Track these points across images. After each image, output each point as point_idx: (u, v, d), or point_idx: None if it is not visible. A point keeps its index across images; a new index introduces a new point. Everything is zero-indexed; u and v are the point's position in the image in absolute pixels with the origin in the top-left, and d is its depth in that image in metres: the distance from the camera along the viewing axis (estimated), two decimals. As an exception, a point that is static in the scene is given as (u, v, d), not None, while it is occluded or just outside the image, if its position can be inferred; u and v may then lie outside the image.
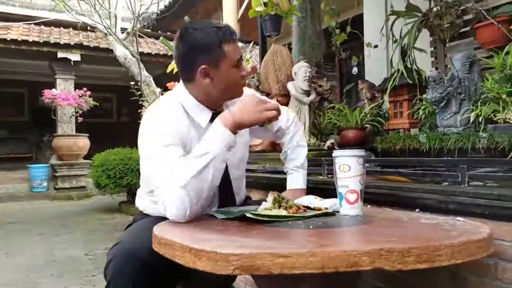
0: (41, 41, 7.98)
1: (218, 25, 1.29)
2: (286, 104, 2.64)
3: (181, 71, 1.34)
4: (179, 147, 1.22)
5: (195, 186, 1.11)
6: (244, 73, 1.35)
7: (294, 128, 1.60)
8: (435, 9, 2.52)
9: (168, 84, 3.63)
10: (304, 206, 1.20)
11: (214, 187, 1.19)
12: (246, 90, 1.47)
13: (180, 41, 1.29)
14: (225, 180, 1.36)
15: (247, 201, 1.63)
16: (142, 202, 1.48)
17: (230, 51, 1.27)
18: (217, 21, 1.35)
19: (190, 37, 1.27)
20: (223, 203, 1.41)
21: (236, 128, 1.19)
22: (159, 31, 6.98)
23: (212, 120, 1.30)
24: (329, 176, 1.70)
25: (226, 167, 1.35)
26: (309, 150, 2.41)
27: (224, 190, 1.40)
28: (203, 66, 1.26)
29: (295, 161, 1.58)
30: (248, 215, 1.10)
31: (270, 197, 1.21)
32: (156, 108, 1.36)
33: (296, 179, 1.56)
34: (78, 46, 8.40)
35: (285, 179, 1.59)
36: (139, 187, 1.53)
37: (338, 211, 1.18)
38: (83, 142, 8.46)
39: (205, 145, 1.16)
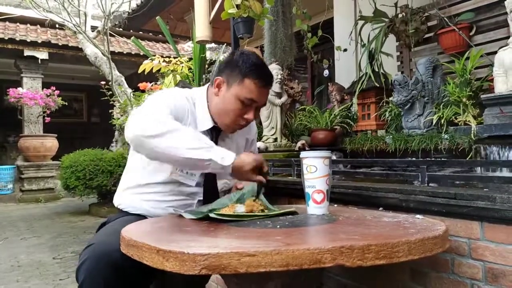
0: (6, 38, 7.69)
1: (261, 65, 1.37)
2: (258, 105, 2.67)
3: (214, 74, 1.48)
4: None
5: (183, 137, 1.19)
6: (247, 117, 1.36)
7: None
8: (400, 15, 2.62)
9: (139, 85, 3.58)
10: (263, 205, 1.24)
11: (177, 157, 1.21)
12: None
13: (231, 54, 1.43)
14: (212, 179, 1.46)
15: None
16: (120, 198, 1.48)
17: (247, 86, 1.32)
18: (268, 66, 1.45)
19: (236, 55, 1.39)
20: (206, 198, 1.44)
21: (234, 172, 1.24)
22: (131, 30, 6.86)
23: (211, 129, 1.42)
24: (299, 176, 1.74)
25: (217, 192, 1.48)
26: (280, 151, 2.46)
27: (209, 187, 1.46)
28: (220, 77, 1.38)
29: None
30: (211, 215, 1.13)
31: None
32: (170, 89, 1.47)
33: None
34: (46, 44, 8.14)
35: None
36: (110, 189, 1.54)
37: (296, 212, 1.22)
38: (51, 143, 8.20)
39: (216, 146, 1.23)
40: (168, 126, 1.19)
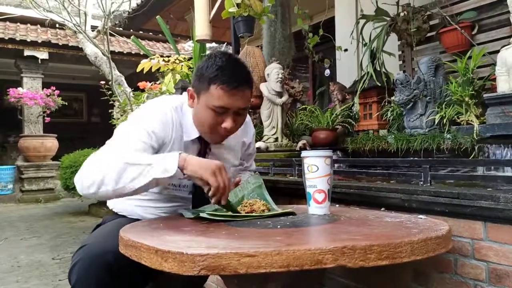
0: (6, 38, 7.69)
1: (227, 66, 1.23)
2: (259, 105, 2.66)
3: None
4: (146, 146, 1.23)
5: (114, 171, 1.10)
6: (224, 126, 1.24)
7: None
8: (402, 14, 2.60)
9: (139, 84, 3.57)
10: (266, 205, 1.22)
11: (131, 191, 1.13)
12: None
13: (201, 59, 1.33)
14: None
15: None
16: (113, 201, 1.46)
17: (214, 93, 1.21)
18: (241, 63, 1.30)
19: (202, 61, 1.29)
20: (199, 203, 1.40)
21: (182, 171, 1.13)
22: (131, 30, 6.85)
23: (199, 138, 1.34)
24: (300, 176, 1.72)
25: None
26: (281, 151, 2.44)
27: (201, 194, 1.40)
28: (190, 88, 1.30)
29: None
30: (202, 215, 1.12)
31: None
32: (155, 102, 1.37)
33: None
34: (46, 44, 8.14)
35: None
36: None
37: (294, 213, 1.19)
38: (51, 143, 8.20)
39: (156, 159, 1.13)
40: (100, 174, 1.10)
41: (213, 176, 1.10)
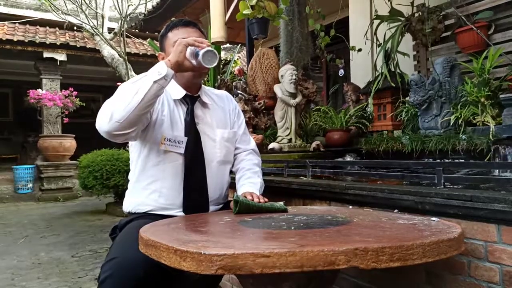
0: (26, 40, 7.88)
1: (175, 20, 1.54)
2: (273, 106, 2.68)
3: None
4: None
5: (121, 94, 1.26)
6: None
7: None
8: (417, 14, 2.59)
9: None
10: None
11: (142, 103, 1.25)
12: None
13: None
14: (200, 173, 1.47)
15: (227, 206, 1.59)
16: (126, 201, 1.53)
17: (172, 35, 1.49)
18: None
19: None
20: (188, 194, 1.45)
21: (172, 65, 1.30)
22: (147, 32, 6.95)
23: (184, 97, 1.52)
24: (313, 178, 1.74)
25: (204, 162, 1.48)
26: (295, 152, 2.46)
27: (195, 182, 1.46)
28: (159, 53, 1.57)
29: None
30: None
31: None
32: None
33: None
34: (64, 46, 8.31)
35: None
36: (126, 188, 1.56)
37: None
38: (70, 143, 8.37)
39: (147, 72, 1.30)
40: (109, 102, 1.27)
41: (182, 42, 1.30)
